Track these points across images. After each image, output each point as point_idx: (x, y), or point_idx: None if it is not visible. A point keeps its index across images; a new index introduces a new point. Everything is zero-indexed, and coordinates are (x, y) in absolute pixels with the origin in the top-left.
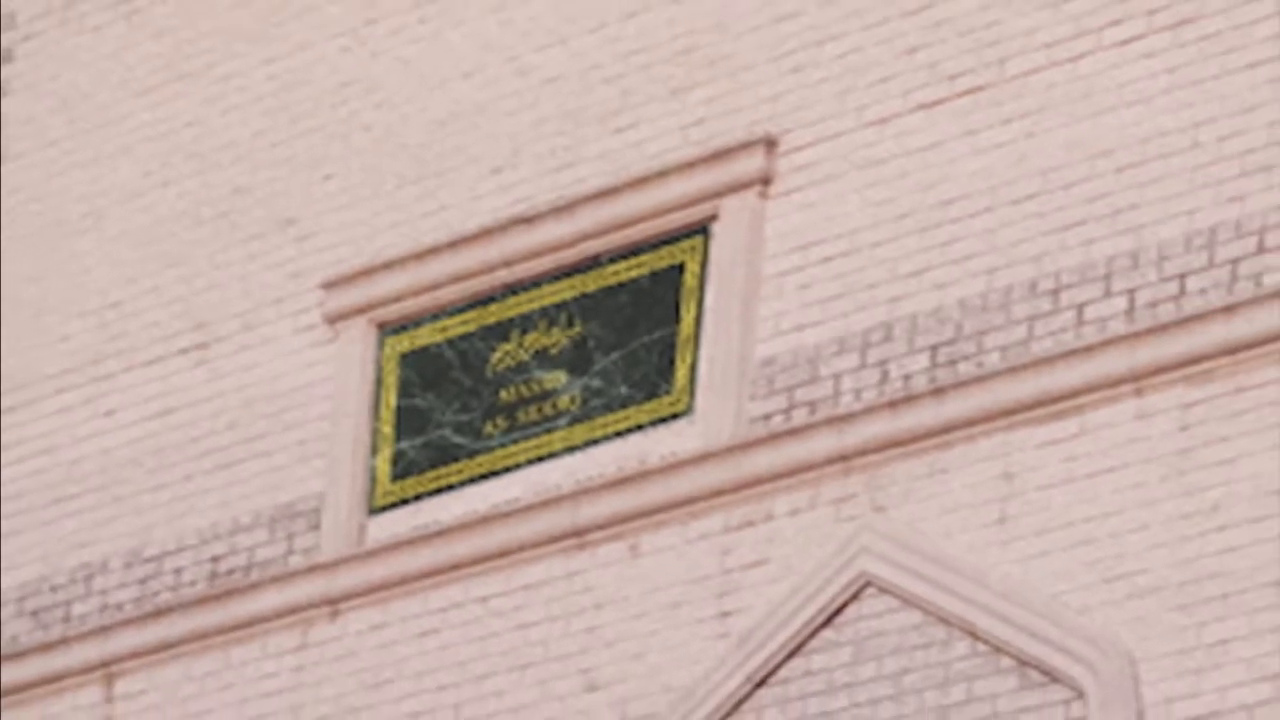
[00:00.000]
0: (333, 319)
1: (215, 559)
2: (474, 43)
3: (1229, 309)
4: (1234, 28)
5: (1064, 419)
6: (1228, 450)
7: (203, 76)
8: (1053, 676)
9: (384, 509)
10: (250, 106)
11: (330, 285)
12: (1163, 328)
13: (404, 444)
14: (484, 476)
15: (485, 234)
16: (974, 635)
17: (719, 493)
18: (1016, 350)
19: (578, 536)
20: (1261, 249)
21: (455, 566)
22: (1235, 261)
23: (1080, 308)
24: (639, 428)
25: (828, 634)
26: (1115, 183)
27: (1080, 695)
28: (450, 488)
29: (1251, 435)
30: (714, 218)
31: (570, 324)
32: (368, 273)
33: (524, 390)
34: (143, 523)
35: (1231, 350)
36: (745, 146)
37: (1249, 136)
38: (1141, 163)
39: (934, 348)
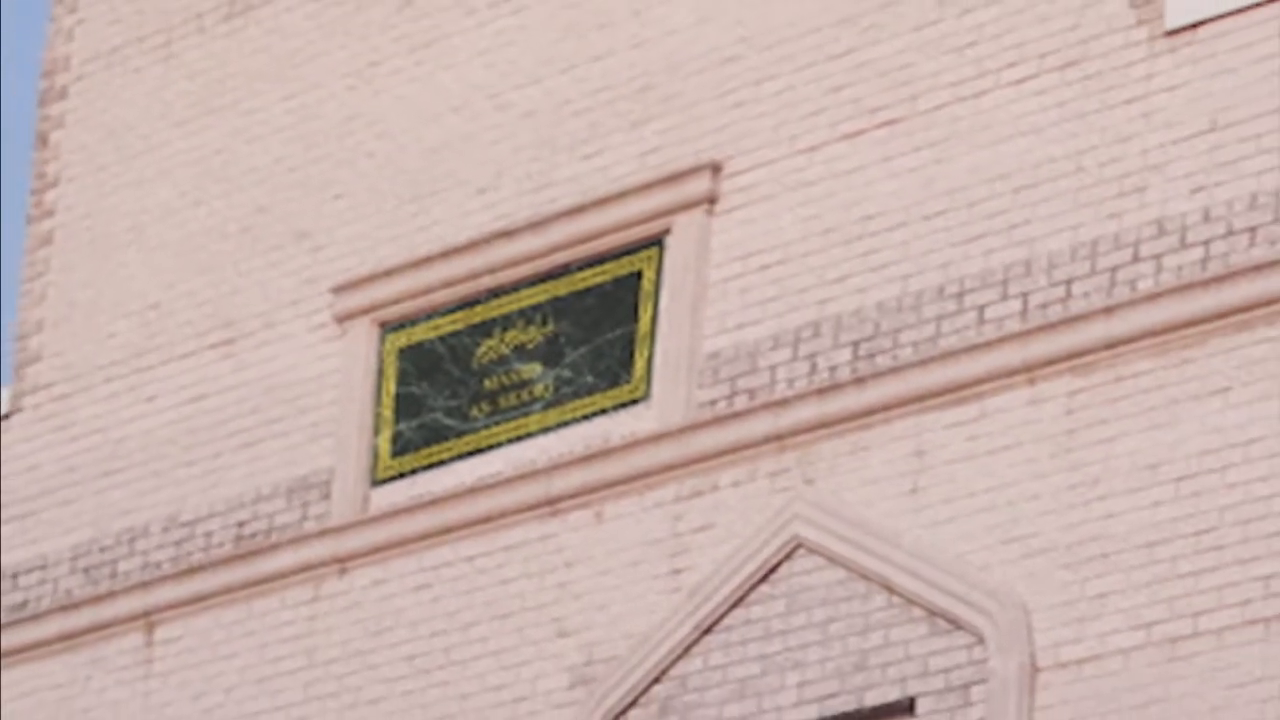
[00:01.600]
0: (341, 318)
1: (240, 524)
2: (461, 82)
3: (1108, 310)
4: (1112, 69)
5: (967, 404)
6: (1107, 431)
7: (229, 111)
8: (957, 624)
9: (385, 481)
10: (270, 136)
11: (339, 289)
12: (1051, 326)
13: (402, 425)
14: (470, 453)
15: (471, 245)
16: (890, 589)
17: (671, 468)
18: (926, 345)
19: (550, 505)
20: (1136, 259)
21: (446, 531)
22: (1114, 269)
23: (981, 309)
24: (603, 411)
25: (764, 589)
26: (1011, 202)
27: (981, 641)
28: (441, 463)
29: (1128, 419)
30: (667, 232)
31: (544, 323)
32: (371, 279)
33: (504, 379)
34: (178, 493)
35: (1111, 345)
36: (694, 171)
37: (1125, 162)
38: (1033, 184)
39: (855, 343)
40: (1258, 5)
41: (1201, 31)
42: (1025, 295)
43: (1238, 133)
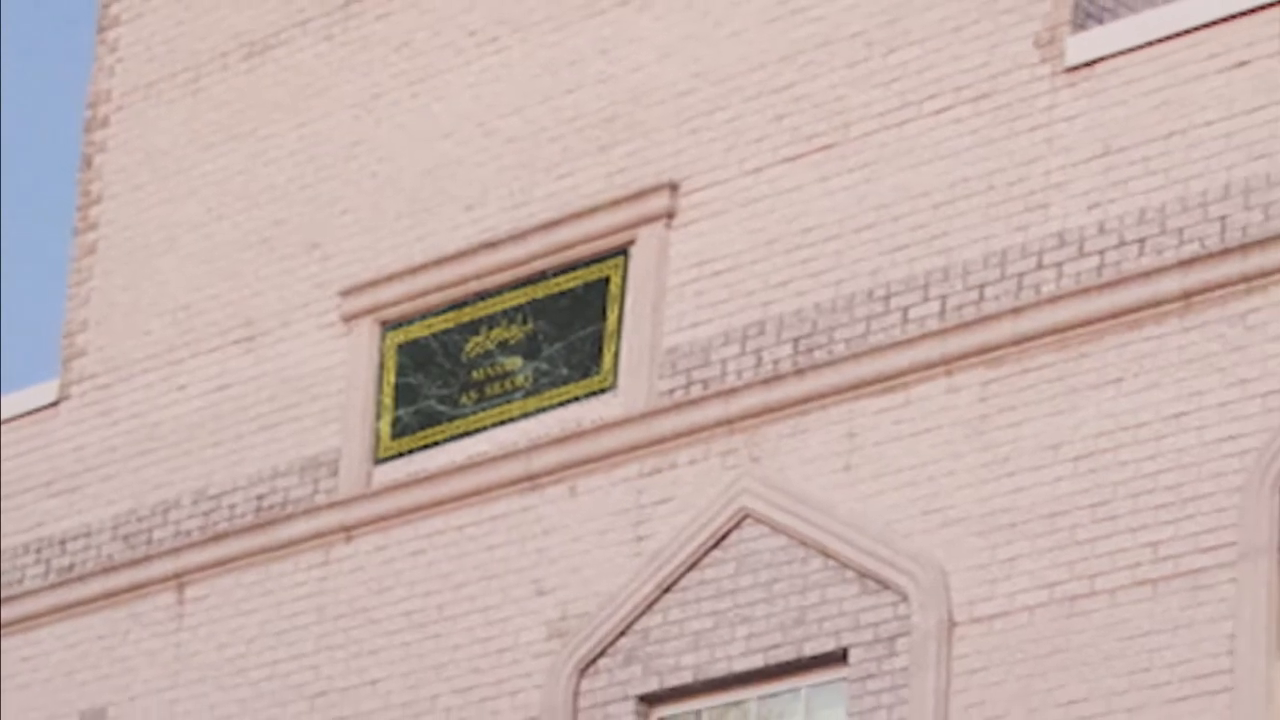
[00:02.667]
0: (347, 318)
1: (260, 497)
2: (452, 112)
3: (1016, 310)
4: (1019, 100)
5: (893, 393)
6: (1015, 416)
7: (249, 137)
8: (884, 585)
9: (386, 460)
10: (285, 159)
11: (345, 293)
12: (966, 325)
13: (400, 411)
14: (460, 436)
15: (461, 254)
16: (825, 554)
17: (635, 448)
18: (857, 341)
19: (529, 480)
20: (1040, 266)
21: (439, 503)
22: (1021, 275)
23: (905, 309)
24: (575, 399)
25: (717, 553)
26: (931, 216)
27: (905, 599)
28: (435, 444)
29: (1033, 405)
30: (631, 243)
31: (524, 322)
32: (373, 283)
33: (490, 371)
34: (205, 470)
35: (1018, 342)
36: (655, 190)
37: (1030, 182)
38: (950, 201)
39: (795, 339)
40: (1145, 46)
41: (1097, 68)
42: (944, 298)
43: (1128, 156)
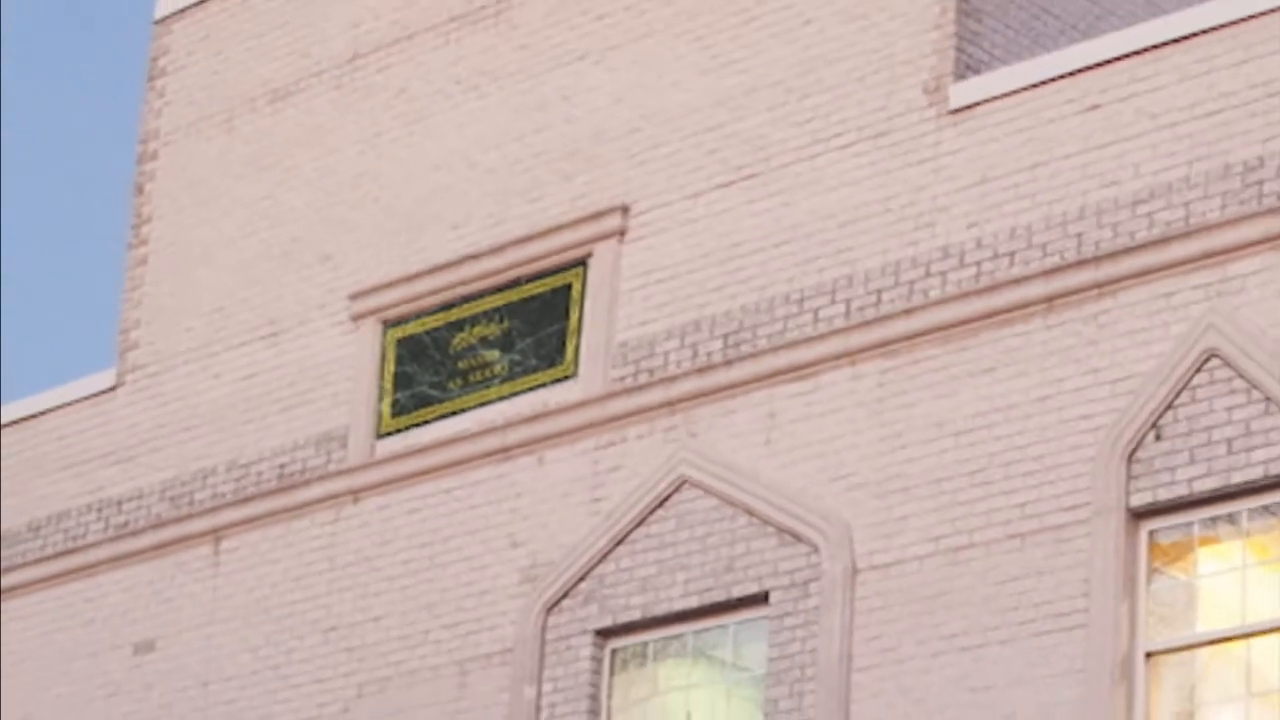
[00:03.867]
0: (355, 318)
1: (282, 465)
2: (441, 148)
3: (908, 311)
4: (911, 138)
5: (805, 380)
6: (907, 399)
7: (274, 168)
8: (799, 538)
9: (386, 435)
10: (303, 187)
11: (354, 297)
12: (867, 323)
13: (399, 395)
14: (448, 415)
15: (448, 265)
16: (750, 513)
17: (592, 425)
18: (776, 337)
19: (504, 452)
20: (928, 275)
21: (431, 470)
22: (912, 282)
23: (816, 310)
24: (543, 385)
25: (660, 512)
26: (838, 234)
27: (816, 550)
28: (427, 422)
29: (922, 389)
30: (590, 255)
31: (501, 321)
32: (376, 289)
33: (472, 362)
34: (237, 444)
35: (909, 338)
36: (610, 211)
37: (920, 205)
38: (854, 221)
39: (725, 335)
40: (1015, 92)
41: (975, 111)
42: (848, 301)
43: (1000, 183)
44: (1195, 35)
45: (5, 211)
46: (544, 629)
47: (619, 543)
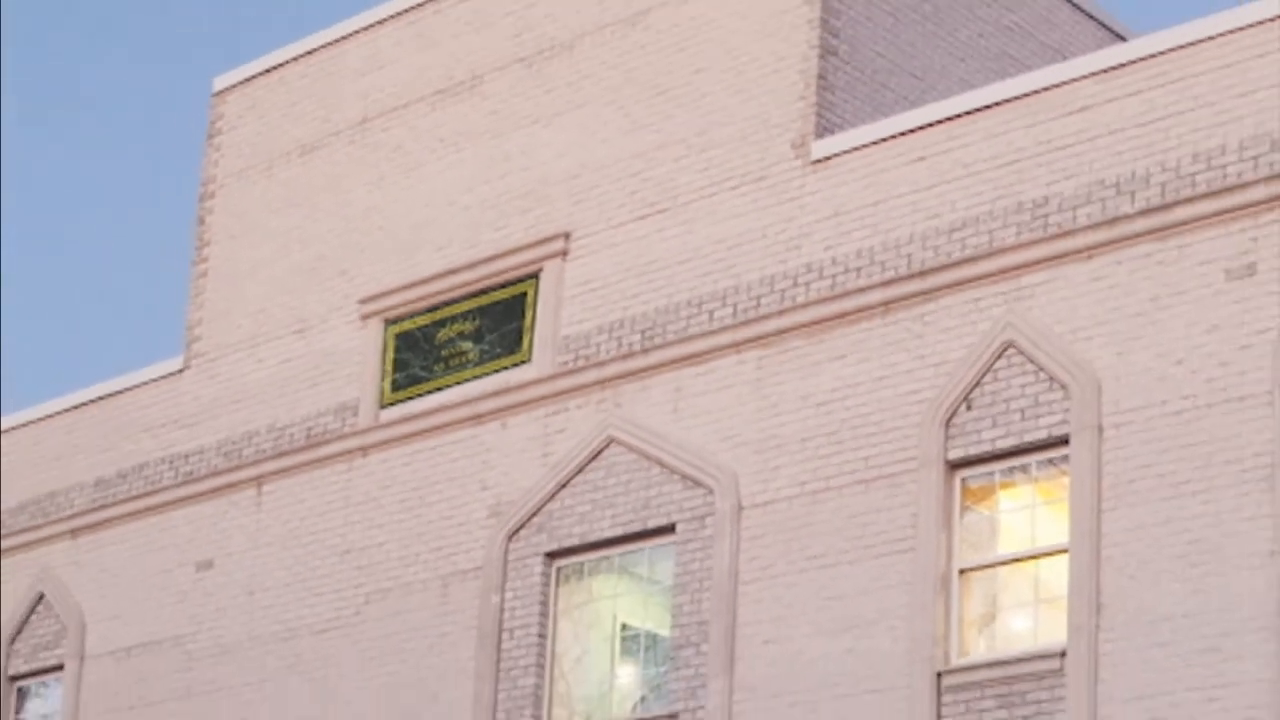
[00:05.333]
0: (364, 317)
1: (309, 428)
2: (429, 189)
3: (780, 313)
4: (782, 182)
5: (702, 364)
6: (780, 378)
7: (303, 204)
8: (698, 483)
9: (387, 406)
10: (325, 218)
11: (363, 301)
12: (749, 322)
13: (397, 375)
14: (433, 391)
15: (435, 277)
16: (661, 465)
17: (543, 398)
18: (680, 332)
19: (477, 419)
20: (795, 285)
21: (421, 433)
22: (783, 290)
23: (711, 312)
24: (506, 368)
25: (594, 463)
26: (727, 254)
27: (711, 492)
28: (418, 396)
29: (791, 371)
30: (541, 271)
31: (474, 320)
32: (380, 296)
33: (452, 351)
34: (276, 412)
35: (781, 333)
36: (555, 237)
37: (789, 232)
38: (740, 245)
39: (642, 331)
40: (861, 148)
41: (831, 161)
42: (735, 305)
43: (850, 216)
44: (997, 104)
45: (102, 239)
46: (506, 552)
47: (563, 487)
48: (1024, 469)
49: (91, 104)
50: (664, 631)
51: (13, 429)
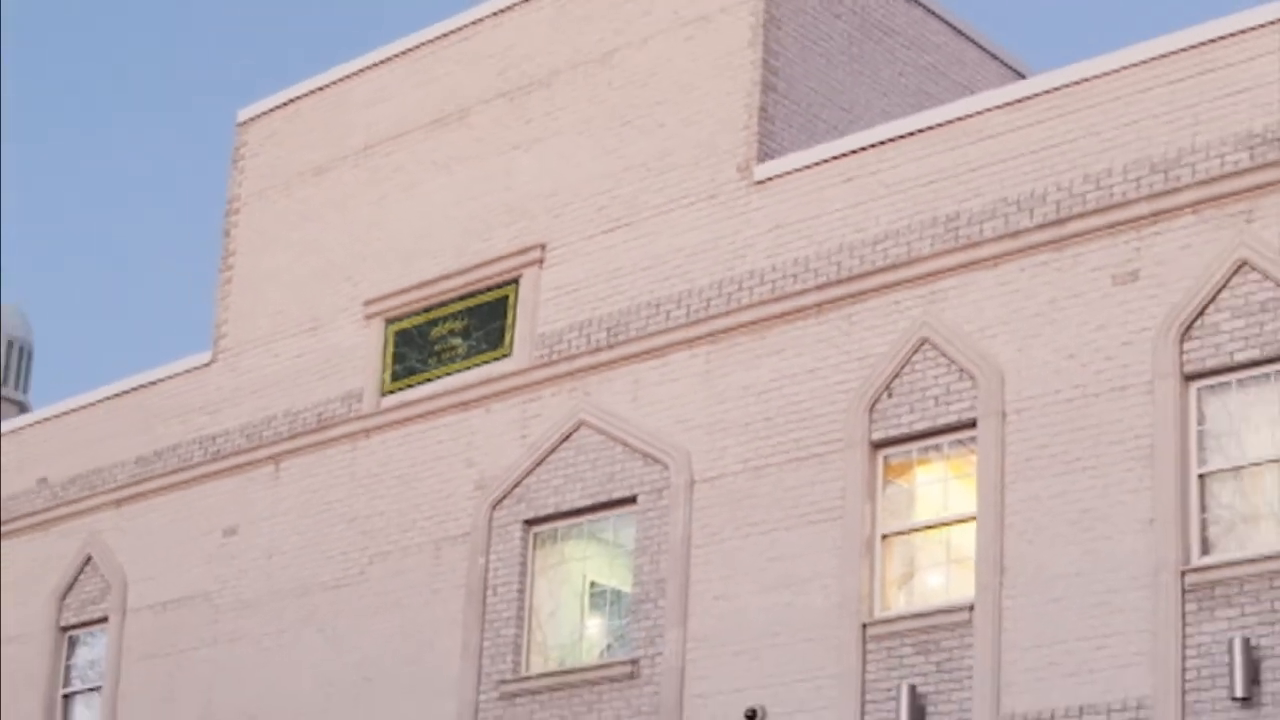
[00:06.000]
0: (367, 317)
1: (320, 413)
2: (425, 206)
3: (727, 313)
4: (730, 199)
5: (660, 358)
6: (727, 371)
7: (315, 220)
8: (656, 460)
9: (388, 394)
10: (334, 232)
11: (366, 303)
12: (699, 321)
13: (395, 367)
14: (427, 381)
15: (429, 282)
16: (624, 444)
17: (522, 387)
18: (641, 330)
19: (464, 405)
20: (740, 289)
21: (416, 417)
22: (730, 294)
23: (668, 313)
24: (490, 361)
25: (565, 444)
26: (685, 262)
27: (667, 467)
28: (413, 385)
29: (736, 365)
30: (520, 277)
31: (463, 320)
32: (381, 299)
33: (443, 346)
34: (291, 399)
35: (728, 331)
36: (533, 248)
37: (735, 244)
38: (694, 255)
39: (608, 329)
40: (795, 171)
41: (771, 182)
42: (688, 306)
43: (789, 229)
44: (915, 133)
45: (142, 250)
46: (490, 520)
47: (539, 464)
48: (937, 448)
49: (131, 134)
50: (626, 588)
51: (64, 414)
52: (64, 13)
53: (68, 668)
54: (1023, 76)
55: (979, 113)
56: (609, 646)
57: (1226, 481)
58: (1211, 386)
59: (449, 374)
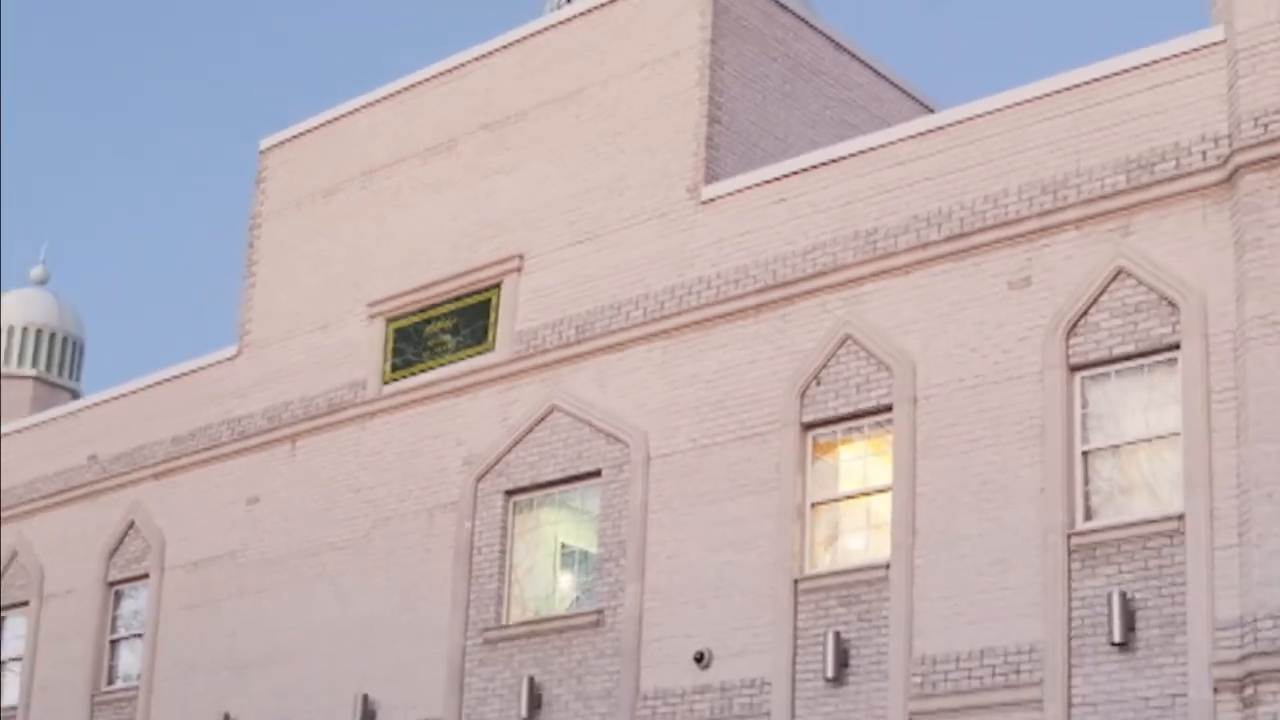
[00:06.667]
0: (371, 317)
1: (330, 400)
2: (420, 224)
3: (679, 313)
4: (680, 216)
5: (620, 352)
6: (679, 362)
7: (327, 235)
8: (618, 439)
9: (388, 383)
10: (342, 245)
11: (370, 305)
12: (656, 319)
13: (395, 360)
14: (422, 372)
15: (424, 287)
16: (590, 425)
17: (503, 377)
18: (604, 328)
19: (455, 392)
20: (690, 294)
21: (412, 402)
22: (681, 296)
23: (627, 313)
24: (476, 355)
25: (540, 425)
26: (642, 270)
27: (627, 446)
28: (410, 375)
29: (686, 357)
30: (502, 282)
31: (452, 319)
32: (383, 301)
33: (436, 342)
34: (305, 387)
35: (679, 329)
36: (512, 258)
37: (685, 255)
38: (649, 265)
39: (576, 327)
40: (736, 193)
41: (716, 202)
42: (645, 308)
43: (730, 243)
44: (839, 160)
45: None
46: (476, 490)
47: (517, 442)
48: (859, 429)
49: (175, 159)
50: (592, 549)
51: (110, 400)
52: (121, 52)
53: (114, 618)
54: (931, 111)
55: (893, 142)
56: (577, 599)
57: (1106, 458)
58: (1093, 376)
59: (440, 365)
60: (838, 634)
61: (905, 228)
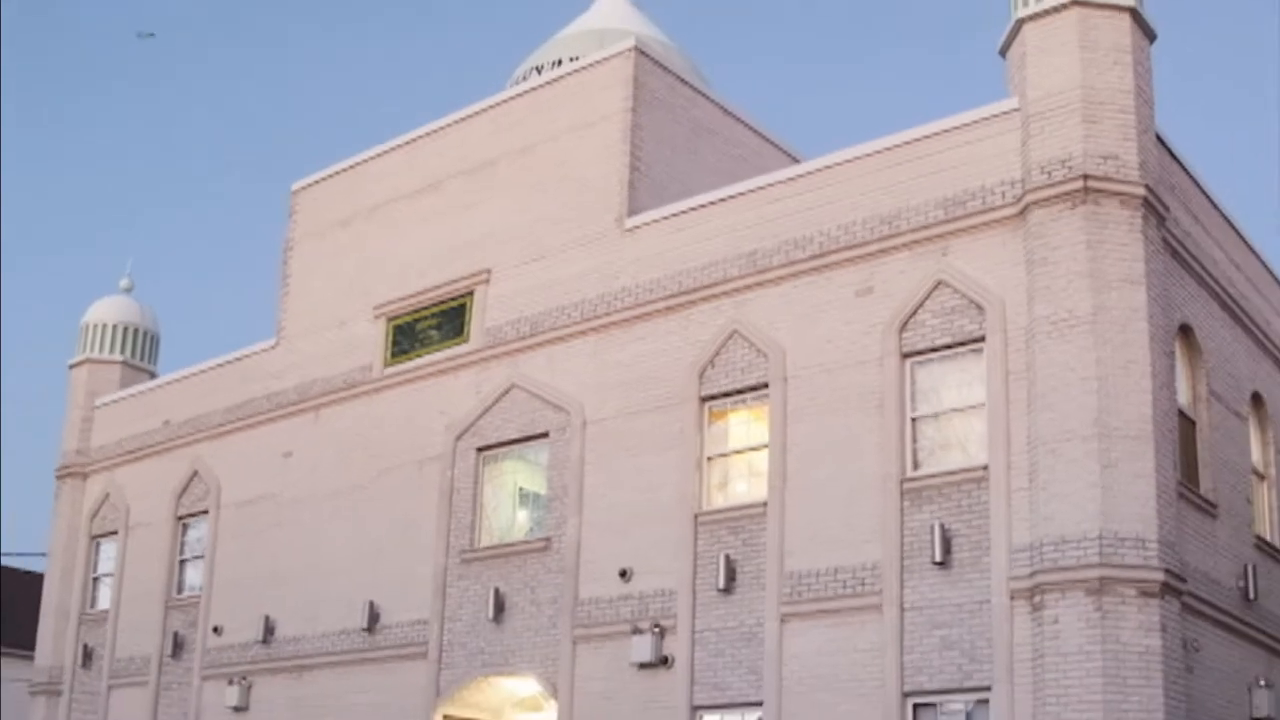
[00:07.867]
0: (375, 317)
1: (346, 378)
2: (413, 245)
3: (607, 313)
4: (610, 243)
5: (565, 343)
6: (609, 351)
7: (343, 255)
8: (561, 408)
9: (388, 366)
10: (354, 263)
11: (375, 308)
12: (591, 319)
13: (394, 349)
14: (416, 358)
15: (416, 294)
16: (541, 399)
17: (475, 362)
18: (556, 322)
19: (439, 374)
20: (616, 298)
21: (408, 381)
22: (609, 302)
23: (568, 314)
24: (455, 346)
25: (503, 398)
26: (578, 284)
27: (569, 414)
28: (405, 360)
29: (614, 348)
30: (474, 290)
31: (437, 318)
32: (385, 304)
33: (425, 337)
34: (325, 370)
35: (607, 326)
36: (481, 272)
37: (613, 271)
38: (583, 278)
39: (531, 324)
40: (658, 221)
41: (638, 230)
42: (581, 310)
43: (649, 261)
44: (727, 199)
45: (232, 273)
46: (455, 447)
47: (486, 411)
48: (744, 401)
49: (230, 199)
50: (543, 492)
51: (178, 379)
52: (183, 101)
53: (182, 543)
54: (798, 161)
55: (769, 185)
56: (531, 529)
57: (930, 422)
58: (920, 361)
59: (428, 353)
60: (727, 555)
61: (778, 249)
